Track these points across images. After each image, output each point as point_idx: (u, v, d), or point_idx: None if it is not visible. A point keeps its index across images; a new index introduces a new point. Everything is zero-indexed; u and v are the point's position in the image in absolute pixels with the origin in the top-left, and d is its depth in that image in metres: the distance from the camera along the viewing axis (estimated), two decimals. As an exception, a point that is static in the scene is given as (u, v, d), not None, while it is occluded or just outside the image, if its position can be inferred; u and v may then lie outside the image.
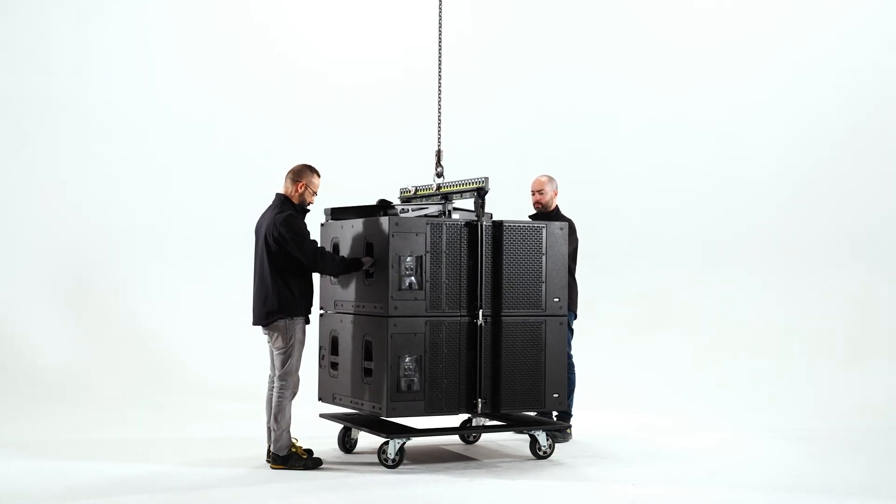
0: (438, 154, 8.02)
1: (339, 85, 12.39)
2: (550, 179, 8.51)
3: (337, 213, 7.85)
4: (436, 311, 7.25)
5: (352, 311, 7.57)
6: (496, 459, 7.73)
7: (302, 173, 7.29)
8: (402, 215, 7.40)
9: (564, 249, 7.63)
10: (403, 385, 7.14)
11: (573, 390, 8.52)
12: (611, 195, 12.51)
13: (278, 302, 7.14)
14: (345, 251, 7.66)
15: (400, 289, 7.13)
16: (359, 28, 12.54)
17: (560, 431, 8.31)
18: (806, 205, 12.39)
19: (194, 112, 12.09)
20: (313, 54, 12.44)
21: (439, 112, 8.12)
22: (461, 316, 7.34)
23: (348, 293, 7.61)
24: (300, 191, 7.26)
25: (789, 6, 12.57)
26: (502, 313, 7.40)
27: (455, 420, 8.65)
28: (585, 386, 8.79)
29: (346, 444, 7.83)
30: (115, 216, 11.87)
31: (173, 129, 12.05)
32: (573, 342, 8.54)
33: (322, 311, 7.97)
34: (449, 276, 7.29)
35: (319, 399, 8.02)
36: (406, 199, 8.13)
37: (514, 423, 7.89)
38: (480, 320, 7.35)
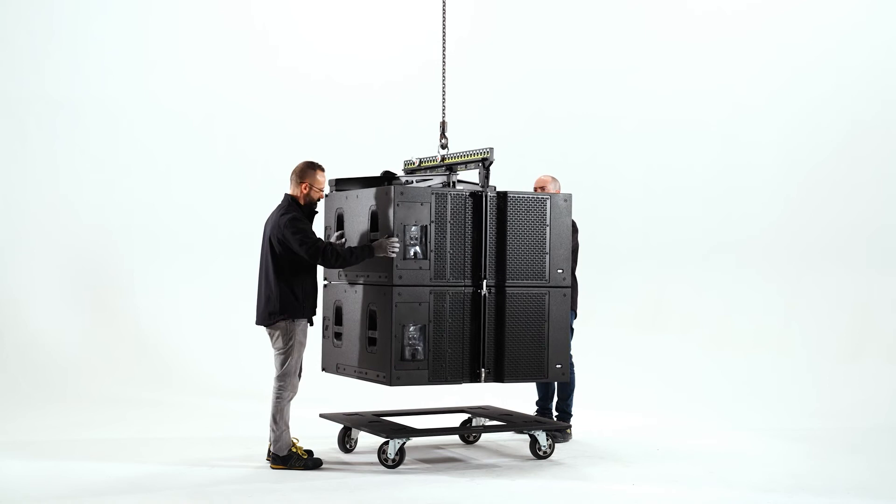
0: (443, 125, 7.99)
1: (339, 85, 12.39)
2: (554, 180, 8.51)
3: (341, 184, 7.84)
4: (440, 281, 7.25)
5: (356, 281, 7.56)
6: (496, 459, 7.73)
7: (304, 173, 7.25)
8: (407, 185, 7.38)
9: (568, 221, 7.61)
10: (407, 354, 7.13)
11: (573, 391, 8.52)
12: (611, 195, 12.50)
13: (281, 303, 7.14)
14: (349, 222, 7.63)
15: (405, 258, 7.13)
16: (358, 29, 12.53)
17: (560, 431, 8.32)
18: (807, 206, 12.38)
19: (194, 113, 12.09)
20: (312, 53, 12.43)
21: (443, 82, 8.05)
22: (465, 286, 7.33)
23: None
24: (305, 191, 7.23)
25: (789, 6, 12.56)
26: (506, 284, 7.40)
27: (455, 420, 8.66)
28: (585, 386, 8.79)
29: (346, 444, 7.83)
30: (114, 216, 11.88)
31: (173, 129, 12.05)
32: (573, 342, 8.54)
33: (326, 282, 7.95)
34: (453, 246, 7.29)
35: (323, 369, 8.00)
36: (410, 171, 8.10)
37: (514, 424, 7.89)
38: (484, 290, 7.35)
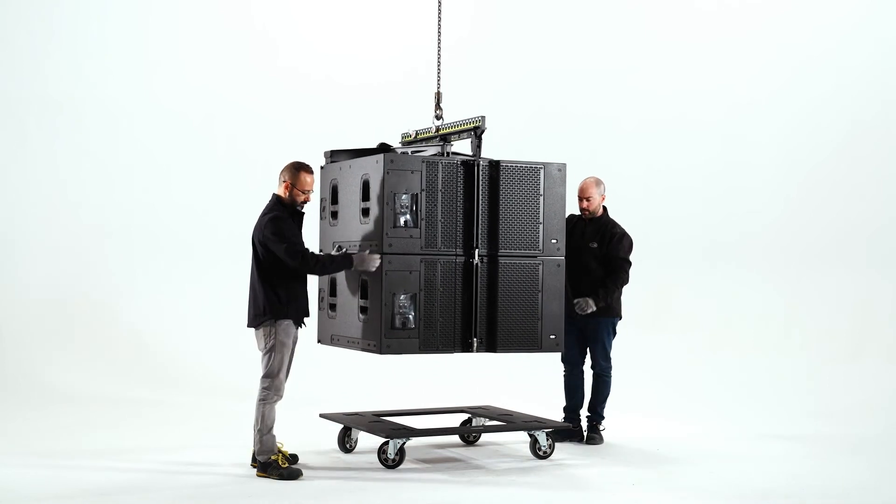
0: (437, 96, 7.93)
1: (339, 85, 12.38)
2: (598, 183, 8.42)
3: (336, 156, 7.82)
4: (431, 250, 7.19)
5: (350, 251, 7.52)
6: (496, 459, 7.73)
7: (288, 172, 7.10)
8: (399, 153, 7.33)
9: (562, 191, 7.54)
10: (398, 322, 7.08)
11: (608, 395, 8.49)
12: (611, 195, 12.46)
13: (264, 305, 7.01)
14: (343, 192, 7.62)
15: (395, 226, 7.09)
16: (358, 29, 12.52)
17: (565, 432, 8.35)
18: (807, 205, 12.39)
19: (194, 113, 12.08)
20: (312, 53, 12.42)
21: (438, 51, 7.98)
22: (457, 255, 7.28)
23: (347, 233, 7.56)
24: (287, 191, 7.10)
25: (789, 6, 12.56)
26: (499, 253, 7.35)
27: (455, 420, 8.66)
28: (586, 386, 8.77)
29: (346, 444, 7.82)
30: (115, 216, 11.87)
31: (173, 130, 12.04)
32: (615, 345, 8.53)
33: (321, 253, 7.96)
34: (445, 215, 7.23)
35: (319, 341, 7.99)
36: (407, 143, 8.05)
37: (515, 424, 7.88)
38: (476, 259, 7.30)
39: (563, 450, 7.98)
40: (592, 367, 8.51)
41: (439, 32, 8.02)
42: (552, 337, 7.49)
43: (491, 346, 7.36)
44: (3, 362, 10.95)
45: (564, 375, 8.64)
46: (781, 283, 12.20)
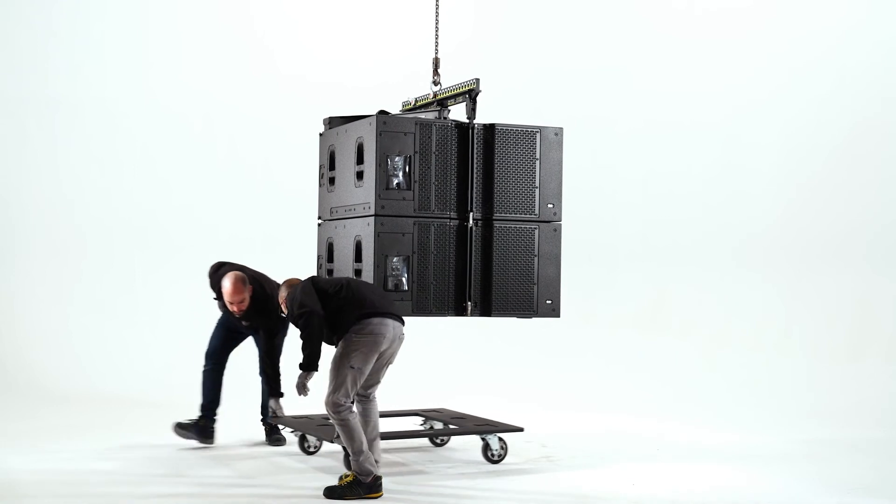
0: (436, 62, 7.90)
1: (340, 87, 12.37)
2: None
3: (334, 122, 7.81)
4: (424, 212, 7.13)
5: (345, 216, 7.50)
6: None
7: (285, 288, 6.78)
8: (392, 115, 7.31)
9: (559, 156, 7.49)
10: (391, 285, 7.03)
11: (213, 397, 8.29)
12: (610, 196, 12.50)
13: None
14: (339, 157, 7.59)
15: (387, 188, 7.04)
16: (358, 32, 12.52)
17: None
18: (807, 206, 12.38)
19: (193, 114, 12.08)
20: (310, 56, 12.42)
21: (437, 16, 7.93)
22: (451, 218, 7.22)
23: (343, 197, 7.52)
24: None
25: (789, 6, 12.56)
26: (493, 217, 7.29)
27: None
28: (586, 387, 8.77)
29: (307, 447, 7.68)
30: (114, 216, 11.87)
31: (172, 131, 12.04)
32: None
33: (320, 221, 7.90)
34: (438, 178, 7.17)
35: None
36: (407, 111, 8.01)
37: (466, 428, 7.66)
38: (471, 223, 7.23)
39: (562, 450, 7.96)
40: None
41: (437, 3, 7.97)
42: (548, 302, 7.43)
43: (485, 310, 7.29)
44: (3, 363, 10.94)
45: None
46: (781, 283, 12.19)
